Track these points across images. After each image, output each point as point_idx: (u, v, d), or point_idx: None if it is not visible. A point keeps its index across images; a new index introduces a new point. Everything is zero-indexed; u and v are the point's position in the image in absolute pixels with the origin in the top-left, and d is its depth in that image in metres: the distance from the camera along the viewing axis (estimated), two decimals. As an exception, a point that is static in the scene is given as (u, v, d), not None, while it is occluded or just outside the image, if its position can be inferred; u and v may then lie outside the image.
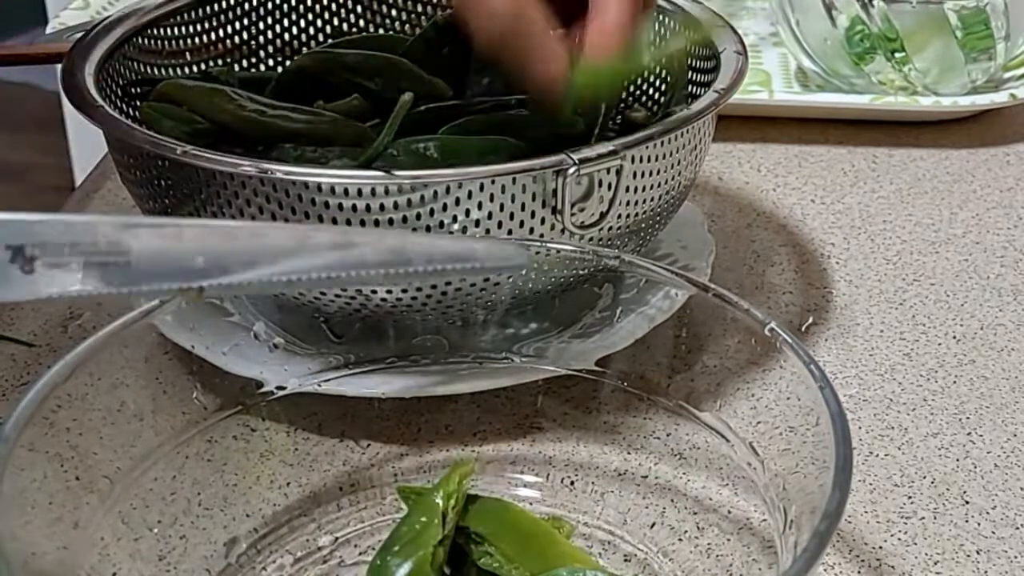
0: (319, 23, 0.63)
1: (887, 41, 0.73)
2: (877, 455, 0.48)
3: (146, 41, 0.57)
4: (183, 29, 0.59)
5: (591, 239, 0.47)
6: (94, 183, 0.69)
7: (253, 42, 0.62)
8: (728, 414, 0.43)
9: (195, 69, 0.59)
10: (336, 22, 0.63)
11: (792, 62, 0.80)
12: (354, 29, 0.64)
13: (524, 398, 0.50)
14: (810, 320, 0.57)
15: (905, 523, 0.45)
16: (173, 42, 0.59)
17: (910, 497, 0.46)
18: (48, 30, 0.73)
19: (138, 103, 0.55)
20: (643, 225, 0.50)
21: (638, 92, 0.61)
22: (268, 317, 0.49)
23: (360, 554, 0.43)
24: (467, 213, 0.45)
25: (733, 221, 0.65)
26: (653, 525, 0.44)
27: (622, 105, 0.60)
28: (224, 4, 0.61)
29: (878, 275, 0.60)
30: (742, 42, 0.55)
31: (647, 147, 0.47)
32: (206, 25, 0.60)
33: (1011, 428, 0.50)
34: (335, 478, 0.46)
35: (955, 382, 0.52)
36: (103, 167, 0.70)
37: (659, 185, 0.49)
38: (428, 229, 0.45)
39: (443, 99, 0.55)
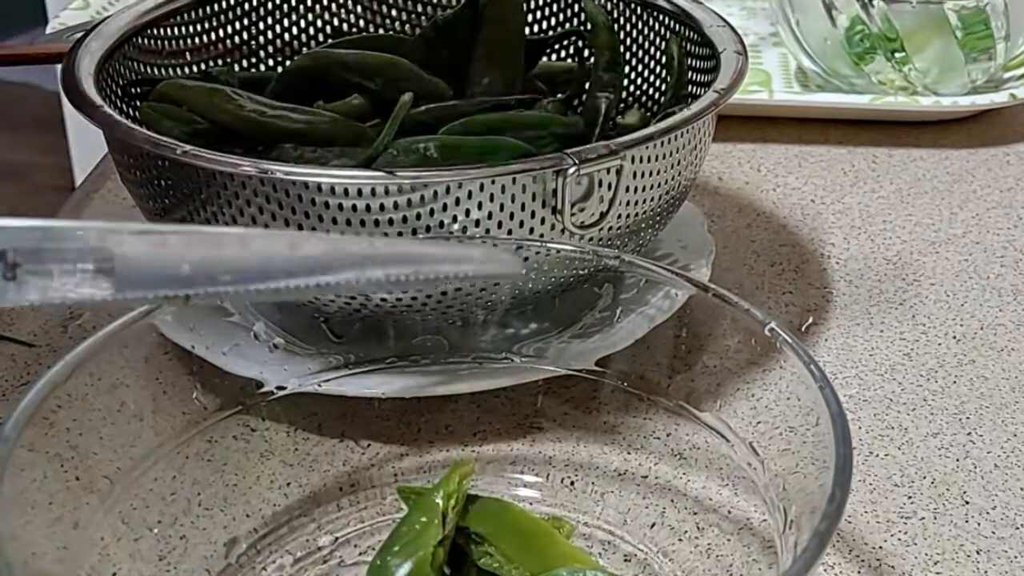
0: (319, 23, 0.63)
1: (887, 41, 0.73)
2: (877, 455, 0.48)
3: (146, 41, 0.57)
4: (183, 29, 0.59)
5: (591, 239, 0.47)
6: (94, 183, 0.69)
7: (253, 42, 0.62)
8: (728, 414, 0.43)
9: (195, 69, 0.59)
10: (336, 22, 0.63)
11: (792, 62, 0.80)
12: (354, 29, 0.64)
13: (524, 398, 0.50)
14: (810, 320, 0.57)
15: (905, 523, 0.45)
16: (173, 42, 0.59)
17: (910, 497, 0.46)
18: (48, 30, 0.73)
19: (138, 103, 0.55)
20: (643, 225, 0.50)
21: (638, 92, 0.61)
22: (268, 317, 0.49)
23: (360, 554, 0.43)
24: (467, 213, 0.45)
25: (733, 221, 0.65)
26: (653, 525, 0.44)
27: (622, 105, 0.60)
28: (224, 4, 0.61)
29: (878, 275, 0.60)
30: (742, 42, 0.55)
31: (647, 147, 0.47)
32: (206, 25, 0.60)
33: (1011, 428, 0.50)
34: (335, 478, 0.46)
35: (955, 382, 0.52)
36: (103, 167, 0.70)
37: (659, 185, 0.49)
38: (428, 229, 0.45)
39: (443, 99, 0.55)
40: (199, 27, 0.60)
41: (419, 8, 0.64)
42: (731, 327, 0.42)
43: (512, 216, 0.46)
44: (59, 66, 0.54)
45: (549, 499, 0.45)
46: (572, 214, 0.46)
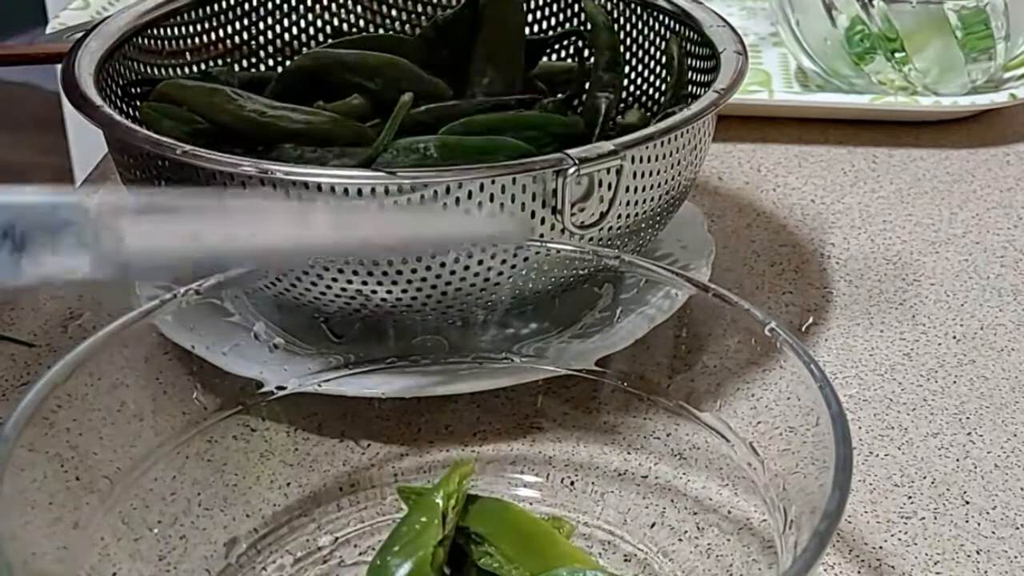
0: (319, 23, 0.63)
1: (887, 41, 0.73)
2: (877, 455, 0.48)
3: (146, 41, 0.57)
4: (183, 29, 0.59)
5: (591, 239, 0.47)
6: (94, 183, 0.69)
7: (253, 42, 0.62)
8: (728, 414, 0.43)
9: (195, 69, 0.59)
10: (336, 22, 0.63)
11: (792, 62, 0.80)
12: (354, 29, 0.64)
13: (524, 398, 0.50)
14: (810, 320, 0.57)
15: (905, 523, 0.45)
16: (173, 42, 0.59)
17: (910, 497, 0.46)
18: (48, 30, 0.73)
19: (138, 103, 0.55)
20: (643, 225, 0.50)
21: (638, 92, 0.61)
22: (268, 317, 0.49)
23: (360, 554, 0.43)
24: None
25: (733, 221, 0.65)
26: (653, 525, 0.44)
27: (622, 105, 0.60)
28: (224, 4, 0.60)
29: (878, 275, 0.60)
30: (742, 42, 0.55)
31: (647, 147, 0.47)
32: (206, 25, 0.60)
33: (1011, 428, 0.50)
34: (335, 478, 0.46)
35: (955, 382, 0.52)
36: (103, 167, 0.70)
37: (659, 185, 0.49)
38: (428, 229, 0.45)
39: (443, 99, 0.55)
40: (199, 27, 0.60)
41: (419, 8, 0.64)
42: (731, 327, 0.42)
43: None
44: (59, 66, 0.54)
45: (549, 499, 0.45)
46: (572, 214, 0.46)
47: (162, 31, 0.58)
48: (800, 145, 0.73)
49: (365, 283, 0.46)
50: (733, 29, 0.56)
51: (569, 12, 0.63)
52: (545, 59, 0.62)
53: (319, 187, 0.44)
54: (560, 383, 0.49)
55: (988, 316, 0.57)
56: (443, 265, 0.45)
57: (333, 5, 0.63)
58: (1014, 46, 0.76)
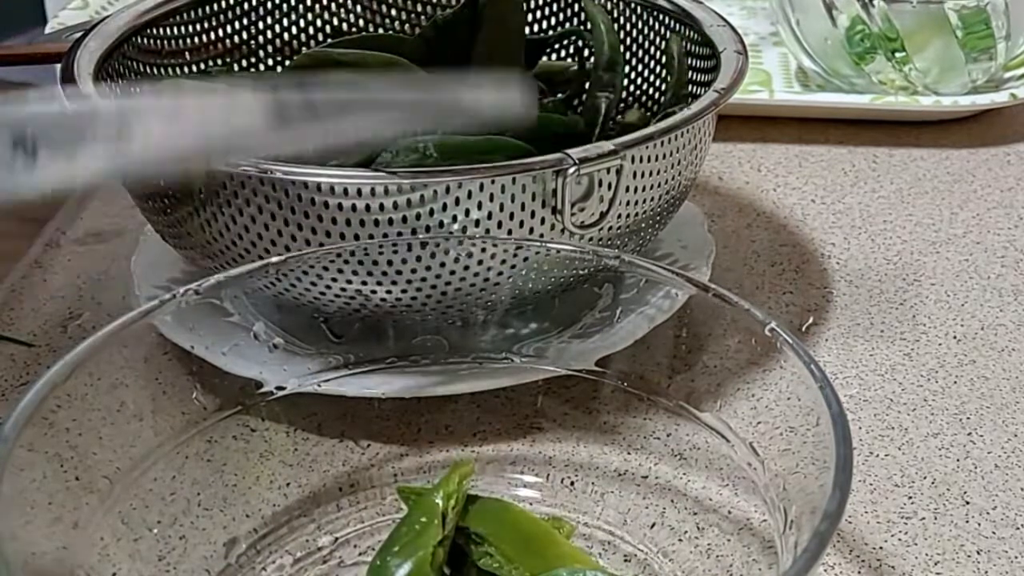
0: (319, 23, 0.63)
1: (887, 41, 0.73)
2: (877, 455, 0.48)
3: (145, 41, 0.57)
4: (182, 29, 0.59)
5: (591, 239, 0.47)
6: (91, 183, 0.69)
7: (252, 42, 0.62)
8: (728, 414, 0.43)
9: (194, 69, 0.59)
10: (336, 22, 0.63)
11: (792, 62, 0.80)
12: (354, 29, 0.64)
13: (524, 398, 0.50)
14: (810, 320, 0.57)
15: (905, 523, 0.45)
16: (172, 42, 0.59)
17: (910, 497, 0.46)
18: (47, 30, 0.73)
19: (138, 103, 0.55)
20: (643, 225, 0.50)
21: (638, 92, 0.61)
22: (268, 317, 0.49)
23: (360, 554, 0.43)
24: (467, 213, 0.45)
25: (733, 221, 0.65)
26: (653, 525, 0.44)
27: (622, 105, 0.60)
28: (224, 4, 0.60)
29: (879, 275, 0.60)
30: (742, 42, 0.55)
31: (647, 147, 0.47)
32: (205, 25, 0.60)
33: (1012, 428, 0.50)
34: (335, 478, 0.46)
35: (956, 382, 0.52)
36: (103, 167, 0.70)
37: (659, 185, 0.49)
38: (428, 229, 0.45)
39: (443, 99, 0.55)
40: (198, 27, 0.60)
41: (419, 8, 0.64)
42: (731, 327, 0.42)
43: (512, 216, 0.45)
44: (58, 66, 0.54)
45: (549, 499, 0.45)
46: (572, 214, 0.46)
47: (161, 31, 0.58)
48: (800, 145, 0.73)
49: (365, 283, 0.45)
50: (733, 29, 0.56)
51: (569, 12, 0.63)
52: (545, 59, 0.62)
53: (318, 187, 0.44)
54: (560, 383, 0.49)
55: (989, 316, 0.57)
56: (443, 265, 0.45)
57: (333, 5, 0.63)
58: (1014, 46, 0.76)
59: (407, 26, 0.64)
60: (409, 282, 0.45)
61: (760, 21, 0.88)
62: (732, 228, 0.64)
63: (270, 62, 0.62)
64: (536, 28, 0.64)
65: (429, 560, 0.38)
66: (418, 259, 0.45)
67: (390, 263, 0.45)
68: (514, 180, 0.45)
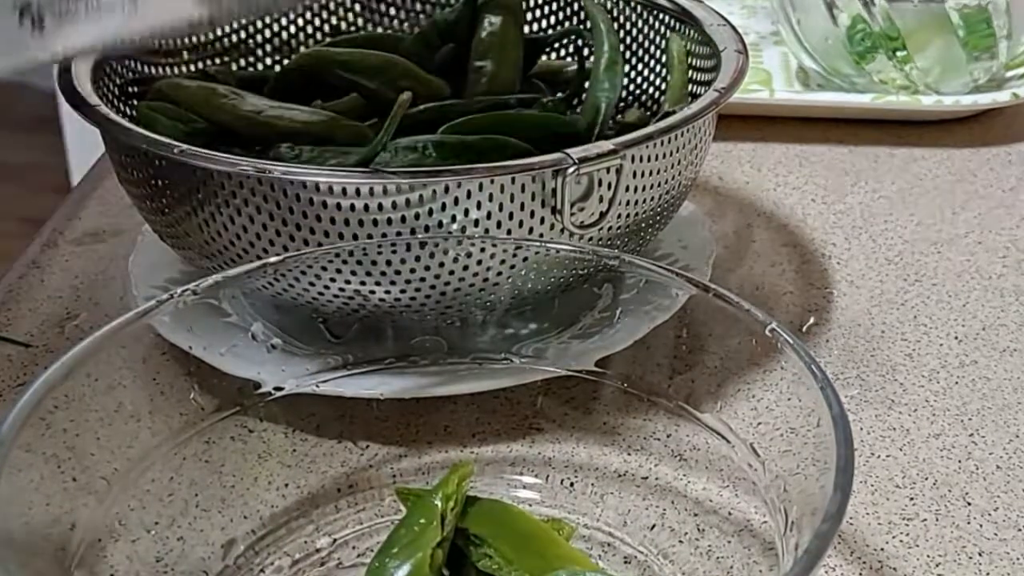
0: (318, 22, 0.63)
1: (889, 40, 0.73)
2: (879, 456, 0.48)
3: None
4: (181, 28, 0.59)
5: (591, 239, 0.47)
6: (91, 183, 0.69)
7: (251, 41, 0.62)
8: (729, 415, 0.43)
9: (193, 68, 0.59)
10: (335, 21, 0.63)
11: (793, 61, 0.80)
12: (353, 28, 0.63)
13: (524, 399, 0.49)
14: (811, 320, 0.56)
15: (907, 525, 0.45)
16: (170, 41, 0.59)
17: (912, 499, 0.46)
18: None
19: (135, 102, 0.55)
20: (643, 225, 0.49)
21: (638, 92, 0.61)
22: (266, 317, 0.49)
23: (358, 556, 0.43)
24: (466, 213, 0.45)
25: (733, 221, 0.65)
26: (653, 527, 0.44)
27: (622, 105, 0.60)
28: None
29: (879, 275, 0.60)
30: (742, 41, 0.55)
31: (647, 147, 0.47)
32: (204, 24, 0.60)
33: (1013, 429, 0.49)
34: (333, 479, 0.46)
35: (957, 383, 0.52)
36: (100, 167, 0.70)
37: (659, 185, 0.49)
38: (427, 229, 0.45)
39: (442, 99, 0.55)
40: (197, 26, 0.60)
41: (419, 8, 0.64)
42: (731, 327, 0.42)
43: (512, 216, 0.45)
44: (56, 65, 0.54)
45: (549, 500, 0.45)
46: (572, 214, 0.46)
47: (160, 30, 0.58)
48: (801, 145, 0.73)
49: (363, 283, 0.45)
50: (734, 28, 0.56)
51: (569, 12, 0.63)
52: (545, 59, 0.62)
53: (317, 187, 0.44)
54: (560, 383, 0.48)
55: (990, 316, 0.57)
56: (442, 265, 0.45)
57: (331, 4, 0.63)
58: (1016, 45, 0.76)
59: (407, 26, 0.64)
60: (408, 282, 0.45)
61: (760, 20, 0.88)
62: (732, 228, 0.64)
63: (269, 61, 0.62)
64: (536, 28, 0.63)
65: (428, 562, 0.38)
66: (417, 259, 0.45)
67: (389, 263, 0.45)
68: (514, 180, 0.45)
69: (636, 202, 0.48)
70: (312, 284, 0.46)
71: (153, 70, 0.58)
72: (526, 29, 0.62)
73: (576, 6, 0.63)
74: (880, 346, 0.55)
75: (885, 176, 0.70)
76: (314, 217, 0.45)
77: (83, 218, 0.65)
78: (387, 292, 0.46)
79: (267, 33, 0.62)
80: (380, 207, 0.44)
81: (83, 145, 1.60)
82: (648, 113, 0.59)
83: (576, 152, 0.45)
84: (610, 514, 0.44)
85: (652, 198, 0.49)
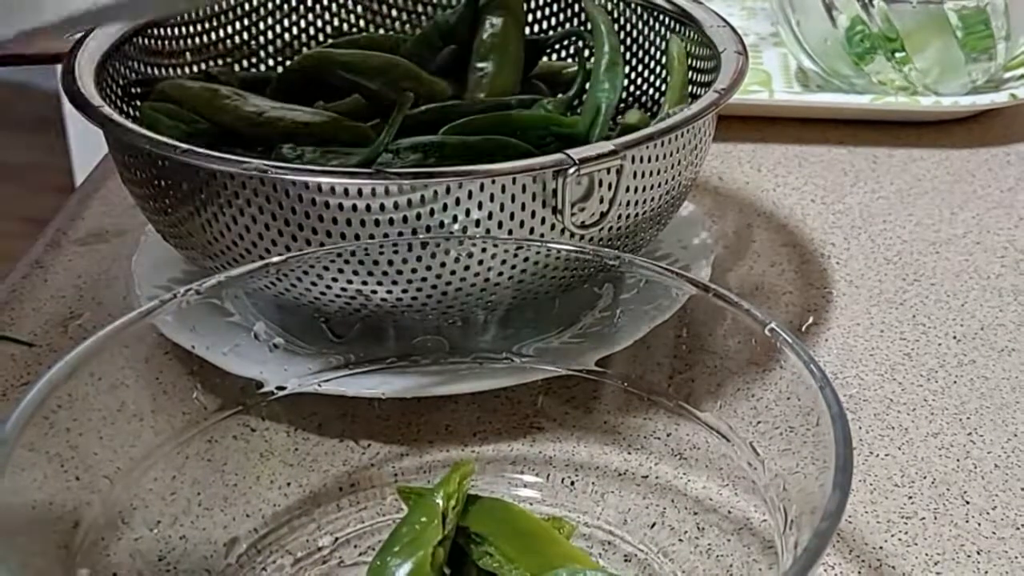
0: (319, 23, 0.63)
1: (887, 41, 0.73)
2: (877, 455, 0.48)
3: (146, 41, 0.57)
4: (183, 29, 0.59)
5: (591, 239, 0.47)
6: (94, 183, 0.69)
7: (253, 42, 0.62)
8: (728, 414, 0.43)
9: (195, 69, 0.59)
10: (336, 22, 0.63)
11: (792, 62, 0.80)
12: (354, 29, 0.64)
13: (524, 398, 0.50)
14: (810, 320, 0.57)
15: (905, 523, 0.45)
16: (173, 42, 0.59)
17: (910, 497, 0.46)
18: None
19: (138, 103, 0.55)
20: (643, 225, 0.50)
21: (638, 92, 0.61)
22: (268, 317, 0.49)
23: (360, 554, 0.43)
24: (467, 213, 0.45)
25: (733, 221, 0.65)
26: (653, 525, 0.44)
27: (622, 105, 0.60)
28: (224, 4, 0.60)
29: (878, 275, 0.60)
30: (742, 42, 0.55)
31: (647, 147, 0.47)
32: (206, 25, 0.60)
33: (1011, 428, 0.50)
34: (335, 478, 0.46)
35: (955, 382, 0.52)
36: (103, 167, 0.70)
37: (659, 185, 0.49)
38: (428, 229, 0.45)
39: (443, 99, 0.55)
40: (199, 27, 0.60)
41: (419, 8, 0.64)
42: (731, 327, 0.42)
43: (512, 216, 0.45)
44: (59, 66, 0.54)
45: (549, 499, 0.45)
46: (572, 214, 0.46)
47: (162, 31, 0.58)
48: (800, 145, 0.73)
49: (365, 283, 0.46)
50: (733, 29, 0.56)
51: (569, 12, 0.63)
52: (545, 59, 0.62)
53: (319, 187, 0.44)
54: (560, 383, 0.49)
55: (988, 316, 0.57)
56: (443, 265, 0.45)
57: (333, 5, 0.63)
58: (1014, 46, 0.76)
59: (407, 26, 0.64)
60: (409, 282, 0.46)
61: (760, 21, 0.88)
62: (732, 228, 0.64)
63: (271, 62, 0.62)
64: (536, 28, 0.64)
65: (429, 560, 0.38)
66: (418, 259, 0.45)
67: (390, 263, 0.45)
68: (514, 180, 0.45)
69: (636, 202, 0.48)
70: (314, 284, 0.46)
71: (156, 71, 0.58)
72: (527, 30, 0.62)
73: (577, 7, 0.63)
74: (879, 345, 0.55)
75: (884, 176, 0.70)
76: (316, 217, 0.45)
77: (86, 218, 0.65)
78: (389, 292, 0.46)
79: (269, 35, 0.62)
80: (382, 207, 0.44)
81: (86, 145, 1.60)
82: (648, 114, 0.59)
83: (577, 152, 0.45)
84: (610, 513, 0.44)
85: (652, 198, 0.49)
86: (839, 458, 0.34)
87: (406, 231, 0.45)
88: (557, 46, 0.63)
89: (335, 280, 0.46)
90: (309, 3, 0.63)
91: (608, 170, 0.46)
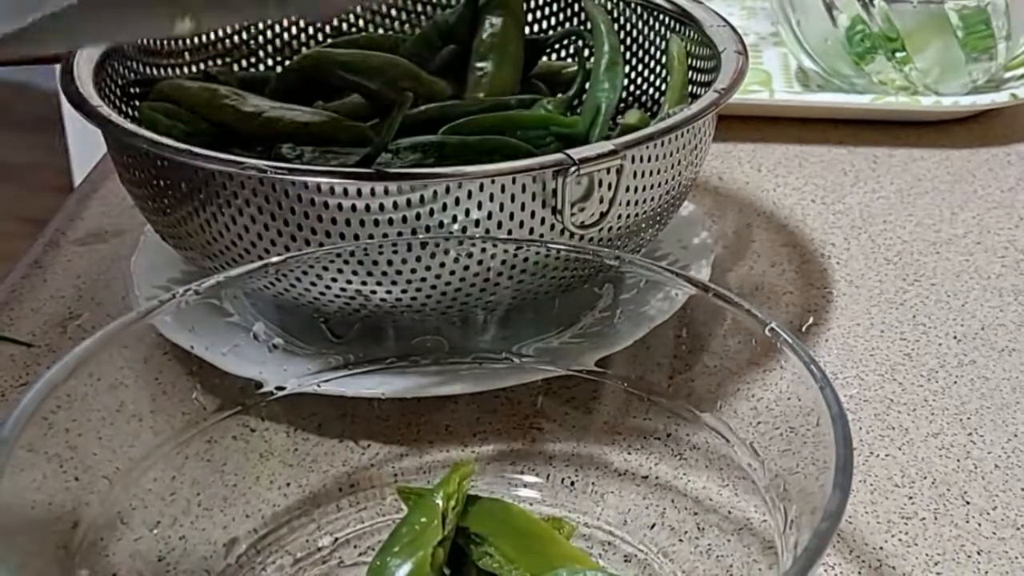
0: (318, 23, 0.63)
1: (888, 41, 0.73)
2: (878, 455, 0.48)
3: (145, 41, 0.57)
4: (182, 29, 0.59)
5: (591, 239, 0.47)
6: (93, 183, 0.69)
7: (252, 42, 0.62)
8: (728, 414, 0.43)
9: (194, 69, 0.59)
10: (336, 22, 0.63)
11: (793, 62, 0.80)
12: (354, 29, 0.64)
13: (524, 398, 0.50)
14: (810, 320, 0.57)
15: (906, 524, 0.45)
16: (172, 42, 0.59)
17: (911, 498, 0.46)
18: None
19: (137, 103, 0.55)
20: (643, 225, 0.50)
21: (638, 92, 0.61)
22: (268, 317, 0.49)
23: (360, 555, 0.43)
24: (467, 213, 0.45)
25: (733, 221, 0.65)
26: (653, 526, 0.44)
27: (622, 105, 0.60)
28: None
29: (879, 275, 0.60)
30: (742, 42, 0.55)
31: (647, 147, 0.47)
32: (206, 25, 0.60)
33: (1012, 428, 0.50)
34: (335, 478, 0.46)
35: (956, 382, 0.52)
36: (102, 167, 0.70)
37: (659, 185, 0.49)
38: (428, 229, 0.45)
39: (443, 99, 0.55)
40: (199, 27, 0.60)
41: (419, 8, 0.64)
42: (731, 327, 0.42)
43: (512, 216, 0.45)
44: (58, 66, 0.54)
45: (549, 499, 0.45)
46: (572, 214, 0.46)
47: (161, 31, 0.58)
48: (800, 145, 0.73)
49: (364, 283, 0.45)
50: (733, 29, 0.56)
51: (569, 12, 0.63)
52: (545, 59, 0.62)
53: (318, 187, 0.44)
54: (560, 383, 0.48)
55: (989, 316, 0.57)
56: (443, 265, 0.45)
57: (333, 5, 0.63)
58: (1015, 46, 0.76)
59: (407, 26, 0.64)
60: (409, 282, 0.45)
61: (760, 21, 0.88)
62: (732, 228, 0.64)
63: (270, 62, 0.62)
64: (536, 28, 0.64)
65: (429, 560, 0.38)
66: (418, 259, 0.45)
67: (390, 263, 0.45)
68: (514, 180, 0.45)
69: (636, 202, 0.48)
70: (313, 284, 0.46)
71: (155, 71, 0.58)
72: (527, 30, 0.62)
73: (576, 7, 0.63)
74: (879, 346, 0.55)
75: (884, 176, 0.70)
76: (315, 217, 0.45)
77: (85, 218, 0.65)
78: (388, 292, 0.46)
79: (268, 34, 0.62)
80: (381, 207, 0.44)
81: (85, 145, 1.60)
82: (648, 114, 0.59)
83: (577, 152, 0.45)
84: (610, 513, 0.44)
85: (652, 198, 0.49)
86: (839, 458, 0.34)
87: (405, 231, 0.45)
88: (557, 46, 0.63)
89: (334, 280, 0.45)
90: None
91: (608, 170, 0.46)
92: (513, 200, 0.45)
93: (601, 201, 0.46)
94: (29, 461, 0.36)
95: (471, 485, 0.42)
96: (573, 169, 0.45)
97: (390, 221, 0.45)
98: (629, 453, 0.47)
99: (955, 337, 0.55)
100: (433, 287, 0.46)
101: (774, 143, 0.73)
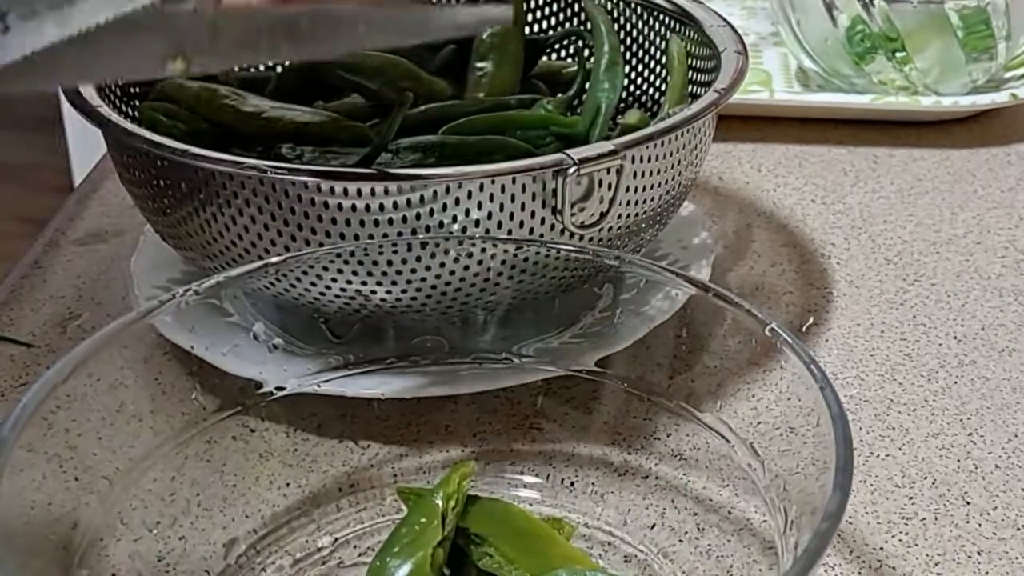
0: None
1: (888, 41, 0.73)
2: (878, 456, 0.48)
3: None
4: (182, 29, 0.59)
5: (591, 239, 0.47)
6: (93, 183, 0.69)
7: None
8: (728, 415, 0.43)
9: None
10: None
11: (793, 62, 0.80)
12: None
13: (524, 398, 0.50)
14: (811, 320, 0.57)
15: (906, 524, 0.45)
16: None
17: (911, 498, 0.46)
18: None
19: (137, 103, 0.55)
20: (643, 225, 0.49)
21: (638, 92, 0.61)
22: (267, 317, 0.49)
23: (360, 555, 0.43)
24: (467, 213, 0.45)
25: (733, 221, 0.65)
26: (653, 526, 0.44)
27: (622, 105, 0.60)
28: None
29: (879, 275, 0.60)
30: (742, 42, 0.55)
31: (647, 147, 0.47)
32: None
33: (1012, 428, 0.49)
34: (334, 479, 0.46)
35: (956, 382, 0.52)
36: (102, 167, 0.70)
37: (659, 185, 0.49)
38: (428, 229, 0.45)
39: (443, 99, 0.55)
40: (198, 27, 0.60)
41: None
42: (731, 327, 0.42)
43: (512, 216, 0.45)
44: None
45: (549, 500, 0.45)
46: (572, 214, 0.46)
47: (161, 31, 0.58)
48: (800, 145, 0.73)
49: (364, 283, 0.45)
50: (733, 29, 0.56)
51: (569, 12, 0.63)
52: (545, 59, 0.62)
53: (319, 187, 0.44)
54: (560, 383, 0.48)
55: (989, 316, 0.57)
56: (443, 265, 0.45)
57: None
58: (1015, 46, 0.76)
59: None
60: (409, 282, 0.45)
61: (760, 21, 0.88)
62: (732, 228, 0.64)
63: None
64: (536, 28, 0.63)
65: (429, 561, 0.38)
66: (418, 259, 0.45)
67: (390, 263, 0.45)
68: (514, 180, 0.45)
69: (636, 202, 0.48)
70: (313, 284, 0.46)
71: (154, 71, 0.58)
72: (527, 30, 0.62)
73: (576, 7, 0.63)
74: (879, 346, 0.55)
75: (884, 176, 0.70)
76: (315, 217, 0.45)
77: (85, 218, 0.65)
78: (388, 292, 0.46)
79: (268, 34, 0.62)
80: (381, 207, 0.44)
81: (85, 145, 1.60)
82: (648, 114, 0.59)
83: (577, 152, 0.45)
84: (610, 513, 0.44)
85: (652, 198, 0.49)
86: (839, 459, 0.34)
87: (405, 231, 0.45)
88: (557, 46, 0.63)
89: (334, 280, 0.45)
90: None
91: (608, 170, 0.46)
92: (513, 200, 0.45)
93: (601, 201, 0.46)
94: (29, 461, 0.36)
95: (471, 485, 0.42)
96: (573, 169, 0.45)
97: (390, 221, 0.45)
98: (629, 453, 0.47)
99: (955, 337, 0.55)
100: (433, 287, 0.46)
101: (774, 143, 0.73)
